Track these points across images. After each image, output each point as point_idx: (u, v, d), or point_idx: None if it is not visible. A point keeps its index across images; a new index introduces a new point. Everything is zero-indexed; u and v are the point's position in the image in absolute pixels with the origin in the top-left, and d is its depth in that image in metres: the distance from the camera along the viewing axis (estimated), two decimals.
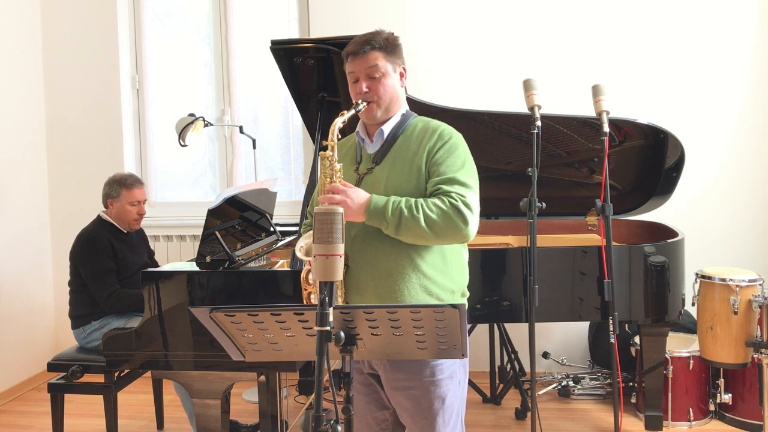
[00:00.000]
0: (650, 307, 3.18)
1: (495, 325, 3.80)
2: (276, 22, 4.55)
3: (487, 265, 3.05)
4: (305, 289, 1.97)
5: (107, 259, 3.20)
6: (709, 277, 3.20)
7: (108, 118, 4.54)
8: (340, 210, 1.46)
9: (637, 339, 3.48)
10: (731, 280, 3.12)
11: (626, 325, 3.68)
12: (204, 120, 3.83)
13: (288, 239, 3.47)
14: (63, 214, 4.58)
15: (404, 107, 2.05)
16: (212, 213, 2.82)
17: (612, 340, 2.76)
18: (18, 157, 4.34)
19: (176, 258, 4.47)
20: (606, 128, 2.73)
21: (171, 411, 3.66)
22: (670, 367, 3.38)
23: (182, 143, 3.78)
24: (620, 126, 3.42)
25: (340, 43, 3.18)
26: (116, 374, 3.08)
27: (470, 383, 3.77)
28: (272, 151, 4.66)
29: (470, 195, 1.88)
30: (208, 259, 2.87)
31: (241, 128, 4.09)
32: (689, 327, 3.78)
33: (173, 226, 4.50)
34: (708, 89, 4.10)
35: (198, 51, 4.67)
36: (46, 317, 4.54)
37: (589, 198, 3.51)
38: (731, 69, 4.09)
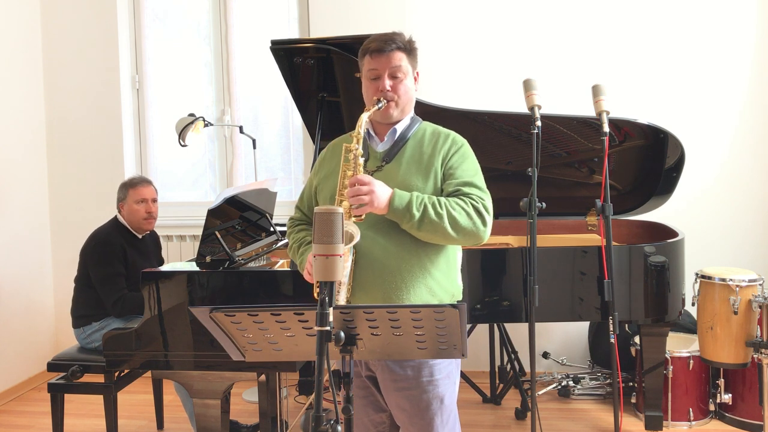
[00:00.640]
0: (650, 307, 3.18)
1: (495, 325, 3.80)
2: (276, 22, 4.55)
3: (487, 265, 3.05)
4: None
5: (118, 264, 3.20)
6: (709, 277, 3.20)
7: (108, 118, 4.54)
8: (340, 210, 1.46)
9: (637, 339, 3.48)
10: (731, 280, 3.12)
11: (626, 325, 3.68)
12: (204, 120, 3.82)
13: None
14: (63, 214, 4.58)
15: (413, 111, 2.08)
16: (212, 213, 2.82)
17: (612, 340, 2.76)
18: (18, 157, 4.34)
19: (176, 258, 4.47)
20: (606, 128, 2.73)
21: (171, 411, 3.66)
22: (670, 367, 3.38)
23: (182, 143, 3.78)
24: (620, 126, 3.42)
25: (340, 43, 3.19)
26: (116, 374, 3.08)
27: (470, 383, 3.78)
28: (272, 151, 4.66)
29: (488, 199, 1.94)
30: (208, 259, 2.87)
31: (241, 128, 4.09)
32: (689, 327, 3.78)
33: (173, 226, 4.50)
34: (708, 89, 4.10)
35: (198, 51, 4.67)
36: (46, 317, 4.54)
37: (589, 198, 3.51)
38: (731, 69, 4.09)
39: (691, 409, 3.41)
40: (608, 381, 3.92)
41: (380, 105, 1.94)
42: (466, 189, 1.92)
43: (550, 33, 4.18)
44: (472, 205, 1.88)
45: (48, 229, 4.61)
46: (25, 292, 4.35)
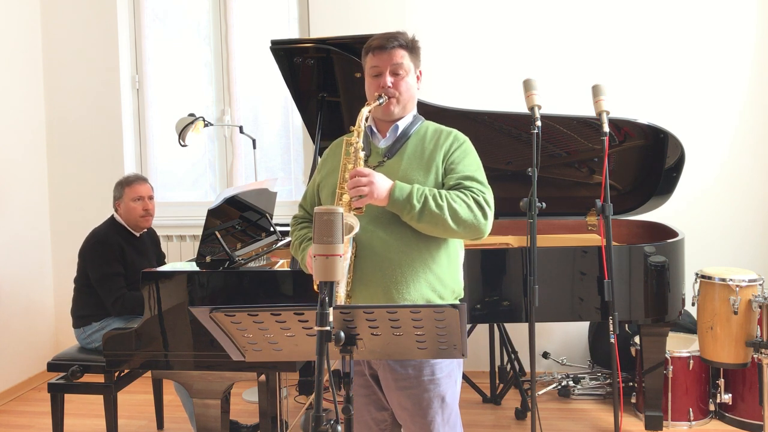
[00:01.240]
0: (650, 307, 3.18)
1: (495, 325, 3.80)
2: (276, 22, 4.55)
3: (487, 265, 3.05)
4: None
5: (116, 263, 3.20)
6: (709, 277, 3.20)
7: (108, 118, 4.54)
8: (340, 210, 1.46)
9: (637, 339, 3.48)
10: (731, 280, 3.12)
11: (626, 325, 3.68)
12: (204, 120, 3.82)
13: (288, 239, 3.47)
14: (63, 214, 4.58)
15: (415, 109, 2.08)
16: (212, 213, 2.82)
17: (612, 340, 2.76)
18: (18, 157, 4.34)
19: (176, 258, 4.47)
20: (606, 128, 2.73)
21: (171, 411, 3.66)
22: (670, 367, 3.38)
23: (182, 143, 3.78)
24: (620, 126, 3.42)
25: (340, 43, 3.19)
26: (116, 374, 3.08)
27: (470, 383, 3.78)
28: (272, 151, 4.66)
29: (489, 193, 1.95)
30: (208, 259, 2.87)
31: (241, 128, 4.09)
32: (689, 327, 3.78)
33: (173, 226, 4.50)
34: (708, 89, 4.10)
35: (198, 51, 4.67)
36: (46, 317, 4.54)
37: (589, 198, 3.51)
38: (731, 69, 4.09)
39: (691, 409, 3.41)
40: (608, 381, 3.92)
41: (381, 101, 1.95)
42: (467, 183, 1.92)
43: (550, 33, 4.18)
44: (473, 198, 1.89)
45: (48, 229, 4.61)
46: (25, 293, 4.35)
